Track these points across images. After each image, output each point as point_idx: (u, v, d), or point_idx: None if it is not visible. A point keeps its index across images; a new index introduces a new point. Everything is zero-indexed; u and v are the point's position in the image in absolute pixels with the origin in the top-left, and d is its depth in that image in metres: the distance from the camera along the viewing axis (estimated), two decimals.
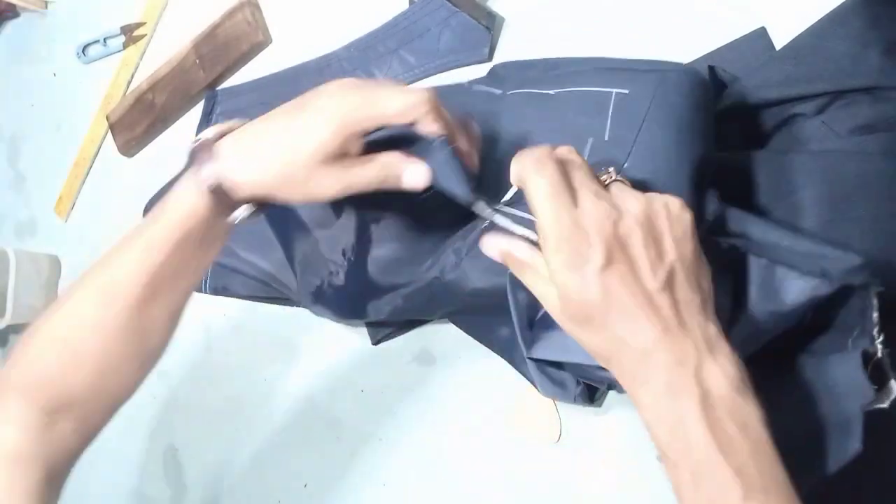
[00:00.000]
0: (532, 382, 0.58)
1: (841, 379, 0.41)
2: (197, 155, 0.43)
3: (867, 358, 0.40)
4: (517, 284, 0.51)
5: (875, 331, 0.39)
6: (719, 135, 0.51)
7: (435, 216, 0.58)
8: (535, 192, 0.37)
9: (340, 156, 0.42)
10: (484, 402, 0.63)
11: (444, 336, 0.65)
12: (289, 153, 0.41)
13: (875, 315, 0.39)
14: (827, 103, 0.48)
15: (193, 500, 0.80)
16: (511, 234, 0.43)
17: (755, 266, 0.42)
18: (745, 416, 0.34)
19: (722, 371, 0.34)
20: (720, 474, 0.33)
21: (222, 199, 0.43)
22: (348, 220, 0.64)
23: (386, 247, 0.63)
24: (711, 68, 0.53)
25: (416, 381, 0.67)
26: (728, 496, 0.32)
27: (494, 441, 0.62)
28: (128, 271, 0.44)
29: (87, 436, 0.47)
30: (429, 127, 0.42)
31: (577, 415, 0.59)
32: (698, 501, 0.34)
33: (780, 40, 0.53)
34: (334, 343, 0.71)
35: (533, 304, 0.54)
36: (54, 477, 0.45)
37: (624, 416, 0.58)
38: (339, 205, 0.64)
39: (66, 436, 0.45)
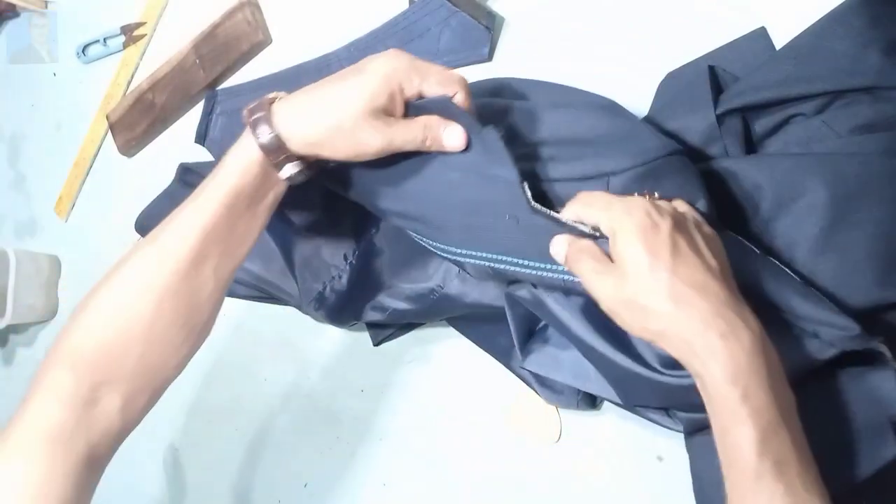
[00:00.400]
0: (532, 388, 0.58)
1: (873, 390, 0.42)
2: (253, 113, 0.45)
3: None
4: (515, 300, 0.52)
5: (892, 363, 0.41)
6: (720, 136, 0.51)
7: None
8: (593, 200, 0.42)
9: (386, 114, 0.45)
10: (484, 402, 0.63)
11: (444, 337, 0.65)
12: (338, 104, 0.44)
13: (888, 354, 0.41)
14: (827, 103, 0.48)
15: (193, 500, 0.80)
16: (571, 229, 0.44)
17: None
18: (790, 395, 0.38)
19: (773, 348, 0.38)
20: (782, 440, 0.36)
21: (274, 152, 0.44)
22: (350, 225, 0.64)
23: (388, 251, 0.63)
24: (711, 68, 0.53)
25: (416, 381, 0.67)
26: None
27: (494, 441, 0.62)
28: (180, 232, 0.45)
29: (131, 417, 0.46)
30: (464, 102, 0.46)
31: (577, 415, 0.59)
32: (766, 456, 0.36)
33: (780, 40, 0.53)
34: (334, 343, 0.71)
35: (531, 318, 0.55)
36: (95, 459, 0.44)
37: (624, 416, 0.58)
38: (340, 210, 0.64)
39: (109, 414, 0.44)
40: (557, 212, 0.44)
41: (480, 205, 0.46)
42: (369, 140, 0.44)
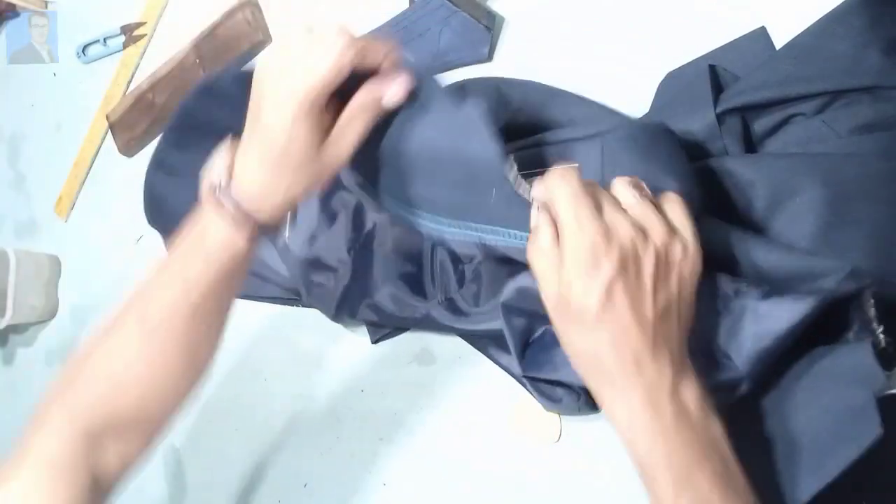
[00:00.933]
0: (532, 395, 0.58)
1: (849, 369, 0.41)
2: (220, 202, 0.44)
3: (873, 347, 0.40)
4: (512, 311, 0.52)
5: (874, 324, 0.40)
6: (720, 136, 0.51)
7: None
8: (560, 194, 0.38)
9: (324, 125, 0.43)
10: (484, 402, 0.63)
11: (444, 336, 0.65)
12: (288, 167, 0.43)
13: (872, 311, 0.40)
14: (827, 103, 0.48)
15: (193, 501, 0.80)
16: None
17: (746, 306, 0.43)
18: (712, 430, 0.38)
19: (692, 392, 0.38)
20: (699, 481, 0.36)
21: (256, 228, 0.44)
22: (348, 220, 0.64)
23: (383, 253, 0.64)
24: (712, 68, 0.53)
25: (416, 381, 0.67)
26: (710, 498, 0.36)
27: (494, 441, 0.62)
28: (169, 308, 0.45)
29: (131, 460, 0.47)
30: (372, 59, 0.42)
31: (578, 416, 0.59)
32: None
33: (780, 40, 0.53)
34: (334, 343, 0.71)
35: (527, 329, 0.55)
36: (99, 487, 0.44)
37: None
38: (336, 207, 0.65)
39: (108, 458, 0.45)
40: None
41: (465, 180, 0.46)
42: (334, 165, 0.44)
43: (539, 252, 0.39)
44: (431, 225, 0.50)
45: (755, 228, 0.47)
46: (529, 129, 0.54)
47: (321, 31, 0.42)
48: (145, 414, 0.47)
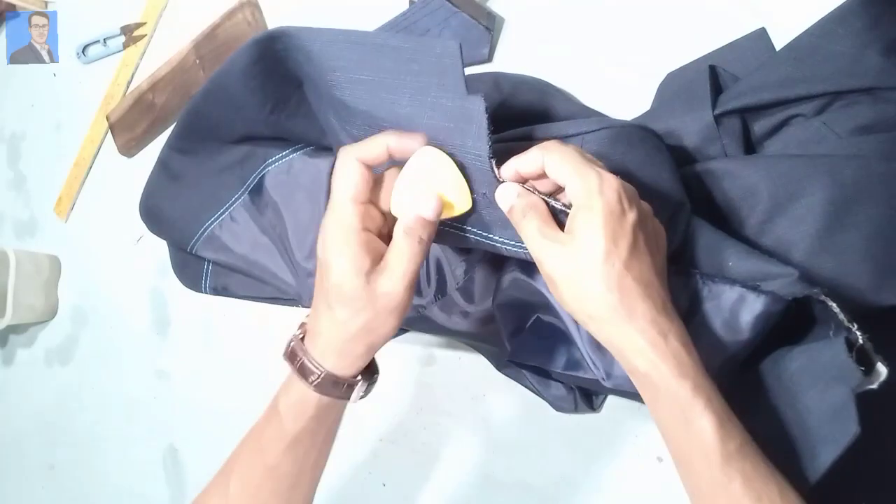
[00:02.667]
0: (534, 392, 0.59)
1: (827, 367, 0.42)
2: (293, 355, 0.45)
3: (850, 345, 0.40)
4: (505, 299, 0.52)
5: (846, 322, 0.40)
6: (719, 137, 0.51)
7: None
8: (566, 158, 0.39)
9: (376, 259, 0.41)
10: (484, 403, 0.63)
11: (444, 337, 0.65)
12: (342, 303, 0.41)
13: (838, 312, 0.40)
14: (827, 104, 0.48)
15: None
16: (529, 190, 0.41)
17: (714, 296, 0.44)
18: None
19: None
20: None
21: (332, 388, 0.43)
22: None
23: None
24: (712, 68, 0.53)
25: (416, 380, 0.67)
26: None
27: (494, 441, 0.62)
28: (242, 478, 0.47)
29: None
30: (403, 148, 0.42)
31: (577, 416, 0.59)
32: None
33: (780, 41, 0.53)
34: None
35: (520, 316, 0.55)
36: None
37: (624, 416, 0.58)
38: None
39: None
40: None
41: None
42: (392, 298, 0.41)
43: (539, 235, 0.39)
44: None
45: (756, 231, 0.47)
46: (516, 123, 0.54)
47: (343, 152, 0.42)
48: None
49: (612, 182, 0.38)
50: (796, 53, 0.49)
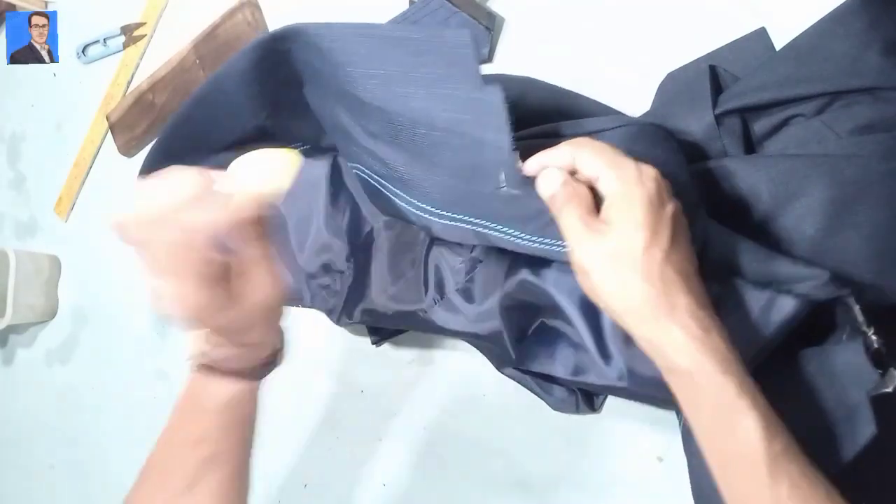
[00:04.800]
0: (535, 393, 0.59)
1: (843, 369, 0.41)
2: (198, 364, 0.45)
3: (867, 348, 0.40)
4: (512, 303, 0.52)
5: (864, 327, 0.40)
6: (719, 137, 0.51)
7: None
8: (599, 152, 0.38)
9: (222, 273, 0.40)
10: (484, 403, 0.63)
11: (444, 336, 0.65)
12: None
13: (860, 315, 0.40)
14: (827, 104, 0.48)
15: None
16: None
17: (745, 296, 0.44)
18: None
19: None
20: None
21: (250, 374, 0.46)
22: (351, 220, 0.65)
23: (383, 256, 0.64)
24: (712, 68, 0.53)
25: (416, 381, 0.67)
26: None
27: (494, 441, 0.62)
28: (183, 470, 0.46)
29: None
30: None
31: (577, 416, 0.59)
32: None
33: (780, 40, 0.53)
34: (334, 343, 0.71)
35: (523, 320, 0.55)
36: None
37: (623, 416, 0.58)
38: (341, 206, 0.65)
39: None
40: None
41: (468, 168, 0.44)
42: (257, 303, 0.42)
43: (581, 224, 0.38)
44: (419, 213, 0.49)
45: (756, 231, 0.47)
46: (529, 124, 0.54)
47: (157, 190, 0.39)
48: None
49: (650, 172, 0.38)
50: (796, 53, 0.49)
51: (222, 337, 0.43)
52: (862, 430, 0.39)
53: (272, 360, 0.46)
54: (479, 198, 0.45)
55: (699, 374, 0.35)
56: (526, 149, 0.41)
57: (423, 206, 0.49)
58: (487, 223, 0.46)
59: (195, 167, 0.40)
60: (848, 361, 0.41)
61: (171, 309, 0.38)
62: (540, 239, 0.44)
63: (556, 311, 0.51)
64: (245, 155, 0.43)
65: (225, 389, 0.44)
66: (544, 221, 0.42)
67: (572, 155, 0.39)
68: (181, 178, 0.38)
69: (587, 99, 0.57)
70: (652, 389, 0.47)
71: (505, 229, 0.45)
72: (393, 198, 0.52)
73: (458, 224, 0.48)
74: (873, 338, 0.40)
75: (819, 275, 0.41)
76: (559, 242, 0.42)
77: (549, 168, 0.40)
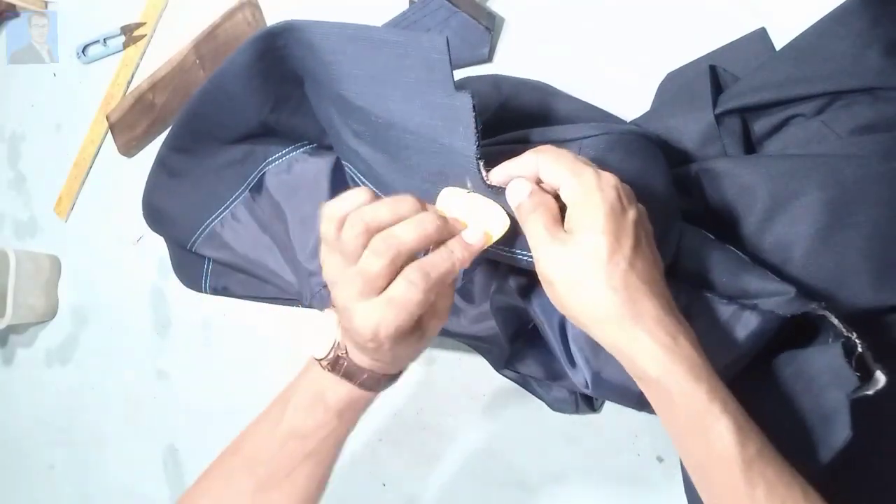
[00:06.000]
0: (533, 393, 0.59)
1: (823, 371, 0.41)
2: (334, 364, 0.44)
3: (849, 351, 0.40)
4: (498, 308, 0.52)
5: (845, 332, 0.40)
6: (719, 137, 0.51)
7: None
8: (561, 160, 0.38)
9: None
10: (484, 403, 0.63)
11: (444, 337, 0.65)
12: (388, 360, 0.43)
13: (837, 324, 0.40)
14: (827, 104, 0.48)
15: None
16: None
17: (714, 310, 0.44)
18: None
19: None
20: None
21: (375, 384, 0.45)
22: None
23: None
24: (712, 68, 0.53)
25: (416, 381, 0.67)
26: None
27: (495, 441, 0.62)
28: (286, 461, 0.46)
29: None
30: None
31: (577, 415, 0.59)
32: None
33: (780, 40, 0.53)
34: None
35: (517, 320, 0.55)
36: None
37: (623, 416, 0.58)
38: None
39: None
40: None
41: (437, 174, 0.44)
42: (433, 333, 0.43)
43: (545, 233, 0.38)
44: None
45: (755, 230, 0.47)
46: (516, 125, 0.54)
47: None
48: None
49: (610, 179, 0.37)
50: (796, 53, 0.50)
51: (387, 355, 0.42)
52: (838, 434, 0.39)
53: (396, 375, 0.46)
54: None
55: (669, 381, 0.35)
56: (494, 156, 0.41)
57: None
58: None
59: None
60: (827, 364, 0.41)
61: (383, 330, 0.38)
62: (508, 249, 0.43)
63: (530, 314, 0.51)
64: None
65: (351, 393, 0.44)
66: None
67: (535, 163, 0.39)
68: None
69: (580, 101, 0.57)
70: (616, 397, 0.47)
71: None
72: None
73: None
74: (857, 341, 0.39)
75: (786, 290, 0.41)
76: (526, 252, 0.42)
77: (516, 178, 0.40)
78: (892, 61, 0.46)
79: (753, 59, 0.53)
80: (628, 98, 0.58)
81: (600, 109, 0.57)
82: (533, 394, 0.59)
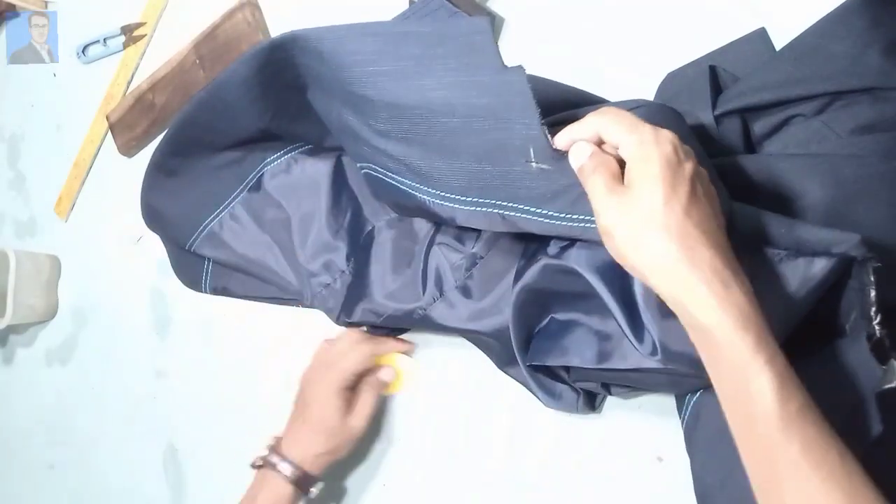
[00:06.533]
0: (532, 392, 0.59)
1: (848, 366, 0.41)
2: (270, 461, 0.62)
3: (868, 340, 0.40)
4: (524, 303, 0.52)
5: (873, 310, 0.39)
6: (719, 137, 0.51)
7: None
8: (619, 119, 0.39)
9: (349, 401, 0.63)
10: (483, 402, 0.63)
11: (444, 336, 0.65)
12: (323, 431, 0.61)
13: (872, 292, 0.39)
14: (827, 104, 0.48)
15: (193, 501, 0.80)
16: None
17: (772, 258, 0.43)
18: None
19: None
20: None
21: (303, 483, 0.61)
22: (352, 220, 0.65)
23: (383, 255, 0.64)
24: (712, 68, 0.53)
25: (416, 381, 0.67)
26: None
27: (495, 441, 0.62)
28: None
29: None
30: (385, 350, 0.67)
31: (577, 416, 0.59)
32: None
33: (780, 41, 0.53)
34: None
35: (534, 318, 0.55)
36: None
37: (624, 416, 0.58)
38: (342, 206, 0.65)
39: None
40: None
41: (494, 150, 0.44)
42: (357, 431, 0.63)
43: (606, 189, 0.39)
44: (442, 202, 0.49)
45: None
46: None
47: (350, 339, 0.65)
48: None
49: (667, 134, 0.38)
50: (796, 53, 0.50)
51: (324, 454, 0.62)
52: (869, 428, 0.39)
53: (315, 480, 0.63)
54: (505, 179, 0.45)
55: (718, 329, 0.35)
56: (551, 125, 0.42)
57: (447, 195, 0.49)
58: (515, 205, 0.46)
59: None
60: (852, 359, 0.41)
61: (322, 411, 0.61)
62: (569, 216, 0.43)
63: (576, 298, 0.50)
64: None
65: (286, 491, 0.61)
66: (573, 196, 0.42)
67: (596, 126, 0.40)
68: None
69: (591, 94, 0.57)
70: (685, 366, 0.45)
71: (533, 209, 0.45)
72: (413, 192, 0.51)
73: (484, 210, 0.48)
74: (877, 327, 0.39)
75: (851, 237, 0.40)
76: (588, 217, 0.42)
77: (577, 141, 0.41)
78: (892, 61, 0.46)
79: (753, 59, 0.53)
80: (628, 98, 0.58)
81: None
82: (533, 393, 0.59)
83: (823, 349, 0.43)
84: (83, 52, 0.91)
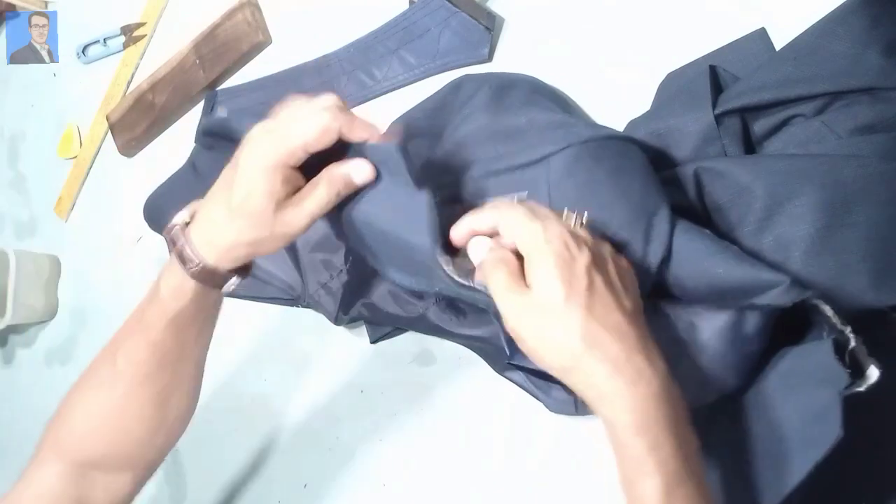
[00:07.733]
0: (531, 394, 0.59)
1: (815, 368, 0.41)
2: (174, 240, 0.46)
3: (841, 347, 0.40)
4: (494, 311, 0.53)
5: (839, 325, 0.40)
6: (718, 137, 0.51)
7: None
8: (513, 215, 0.40)
9: (290, 192, 0.44)
10: (483, 403, 0.63)
11: (443, 338, 0.65)
12: (245, 216, 0.44)
13: (831, 316, 0.40)
14: (827, 104, 0.48)
15: (193, 501, 0.80)
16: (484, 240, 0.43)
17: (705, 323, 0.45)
18: (684, 418, 0.39)
19: (677, 389, 0.39)
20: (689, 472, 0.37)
21: (209, 279, 0.46)
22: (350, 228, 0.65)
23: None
24: (712, 68, 0.53)
25: (416, 381, 0.67)
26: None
27: (494, 441, 0.62)
28: (127, 353, 0.48)
29: (118, 495, 0.52)
30: (355, 136, 0.44)
31: (576, 417, 0.59)
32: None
33: (780, 41, 0.53)
34: (334, 343, 0.71)
35: None
36: None
37: None
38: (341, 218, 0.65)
39: (96, 492, 0.50)
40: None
41: (410, 261, 0.47)
42: (293, 228, 0.45)
43: (506, 289, 0.39)
44: (394, 276, 0.51)
45: (754, 230, 0.47)
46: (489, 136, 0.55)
47: (316, 101, 0.44)
48: (124, 453, 0.51)
49: (556, 229, 0.39)
50: (796, 53, 0.50)
51: (241, 245, 0.45)
52: (828, 433, 0.39)
53: (230, 275, 0.48)
54: (433, 277, 0.47)
55: (617, 426, 0.37)
56: (456, 212, 0.44)
57: (396, 271, 0.51)
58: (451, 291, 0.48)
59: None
60: (818, 362, 0.41)
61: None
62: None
63: None
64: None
65: (184, 285, 0.46)
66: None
67: (492, 219, 0.41)
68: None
69: (558, 112, 0.57)
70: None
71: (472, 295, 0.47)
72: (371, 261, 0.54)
73: (426, 289, 0.49)
74: (849, 336, 0.40)
75: (780, 280, 0.41)
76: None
77: (476, 237, 0.42)
78: (892, 61, 0.46)
79: (753, 59, 0.53)
80: (628, 98, 0.58)
81: (583, 118, 0.58)
82: (533, 396, 0.59)
83: (790, 351, 0.44)
84: (83, 52, 0.92)
